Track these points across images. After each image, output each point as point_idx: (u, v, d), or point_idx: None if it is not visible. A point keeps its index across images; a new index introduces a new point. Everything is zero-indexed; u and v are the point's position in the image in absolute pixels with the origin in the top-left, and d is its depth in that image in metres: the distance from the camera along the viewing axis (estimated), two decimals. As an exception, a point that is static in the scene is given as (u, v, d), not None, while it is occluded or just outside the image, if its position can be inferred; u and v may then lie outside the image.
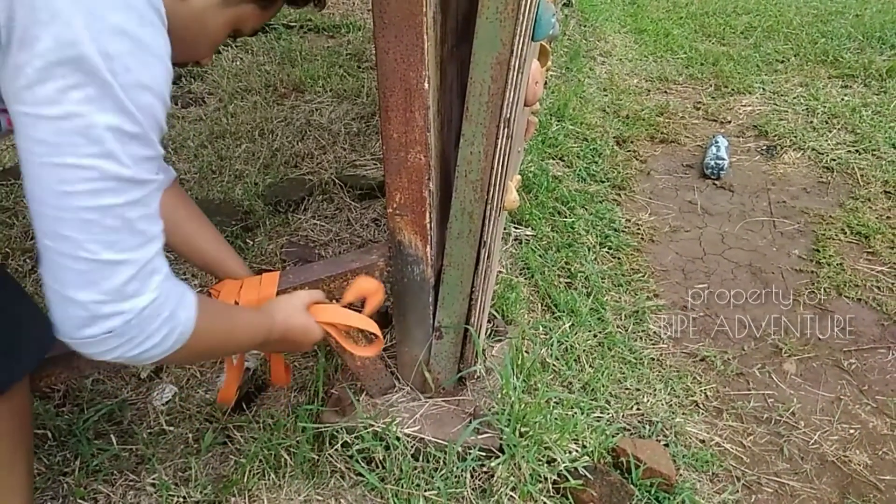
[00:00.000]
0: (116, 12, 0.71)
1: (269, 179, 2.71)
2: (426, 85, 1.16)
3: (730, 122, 3.70)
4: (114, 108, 0.71)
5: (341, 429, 1.56)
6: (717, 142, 3.24)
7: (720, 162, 3.12)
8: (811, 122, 3.61)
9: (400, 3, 1.08)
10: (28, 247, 2.26)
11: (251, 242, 2.35)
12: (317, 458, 1.57)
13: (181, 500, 1.48)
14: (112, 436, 1.61)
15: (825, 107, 3.72)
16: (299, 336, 1.21)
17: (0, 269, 1.15)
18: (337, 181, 2.68)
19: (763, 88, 4.05)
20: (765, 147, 3.40)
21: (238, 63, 3.93)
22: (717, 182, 3.12)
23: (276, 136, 3.04)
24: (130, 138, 0.73)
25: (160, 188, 0.81)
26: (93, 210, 0.72)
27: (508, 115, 1.23)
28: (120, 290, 0.75)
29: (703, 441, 1.80)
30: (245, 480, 1.52)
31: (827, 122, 3.60)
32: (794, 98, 3.89)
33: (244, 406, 1.74)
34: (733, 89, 4.05)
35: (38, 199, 0.73)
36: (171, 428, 1.66)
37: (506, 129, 1.24)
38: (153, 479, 1.54)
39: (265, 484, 1.54)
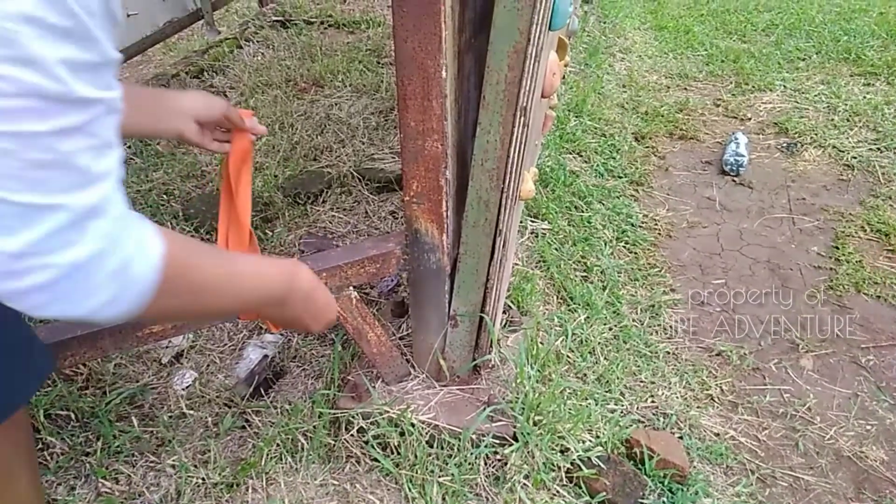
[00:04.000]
0: None
1: (289, 172, 2.74)
2: (444, 73, 1.18)
3: (750, 119, 3.68)
4: None
5: (357, 415, 1.58)
6: (736, 138, 3.23)
7: (739, 158, 3.10)
8: (832, 119, 3.58)
9: (419, -9, 1.10)
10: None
11: (270, 233, 2.38)
12: (333, 443, 1.60)
13: (200, 481, 1.51)
14: (133, 418, 1.65)
15: (847, 104, 3.68)
16: (322, 303, 0.99)
17: None
18: (355, 174, 2.71)
19: (784, 86, 4.01)
20: (785, 144, 3.37)
21: (259, 58, 3.97)
22: (736, 179, 3.10)
23: (296, 130, 3.07)
24: (61, 36, 0.51)
25: (113, 110, 0.59)
26: (9, 137, 0.51)
27: (525, 104, 1.24)
28: (46, 240, 0.55)
29: (717, 434, 1.80)
30: (263, 463, 1.55)
31: (848, 120, 3.56)
32: (816, 95, 3.85)
33: (262, 392, 1.77)
34: (754, 86, 4.02)
35: None
36: (191, 412, 1.70)
37: (522, 118, 1.25)
38: (173, 460, 1.57)
39: (282, 467, 1.57)
